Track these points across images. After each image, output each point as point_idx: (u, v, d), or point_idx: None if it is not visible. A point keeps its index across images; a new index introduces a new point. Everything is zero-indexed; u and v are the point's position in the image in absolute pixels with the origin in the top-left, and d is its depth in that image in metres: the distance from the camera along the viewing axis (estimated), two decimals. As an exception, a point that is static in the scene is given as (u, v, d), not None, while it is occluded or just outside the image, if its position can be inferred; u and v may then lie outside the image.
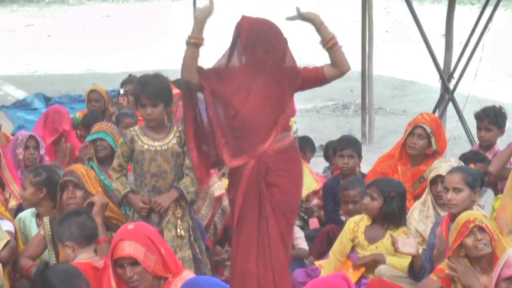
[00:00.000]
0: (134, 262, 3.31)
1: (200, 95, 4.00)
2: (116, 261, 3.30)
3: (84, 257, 3.63)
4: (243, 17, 3.97)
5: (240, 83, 3.92)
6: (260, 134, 3.91)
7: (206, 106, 3.96)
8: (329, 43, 3.92)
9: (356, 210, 4.62)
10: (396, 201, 4.30)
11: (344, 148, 5.13)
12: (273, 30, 3.93)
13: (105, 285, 3.39)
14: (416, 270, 4.05)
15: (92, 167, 5.05)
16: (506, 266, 3.28)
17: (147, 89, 3.98)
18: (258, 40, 3.87)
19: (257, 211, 3.93)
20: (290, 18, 3.95)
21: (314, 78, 4.00)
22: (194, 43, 3.94)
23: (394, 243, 4.02)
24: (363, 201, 4.35)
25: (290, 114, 4.02)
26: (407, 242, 4.02)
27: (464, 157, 4.97)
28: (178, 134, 4.06)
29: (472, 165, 4.58)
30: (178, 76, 8.24)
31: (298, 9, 3.93)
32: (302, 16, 3.93)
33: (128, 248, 3.30)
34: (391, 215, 4.29)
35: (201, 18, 3.93)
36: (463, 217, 3.73)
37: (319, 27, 3.92)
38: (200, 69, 3.97)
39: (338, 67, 3.95)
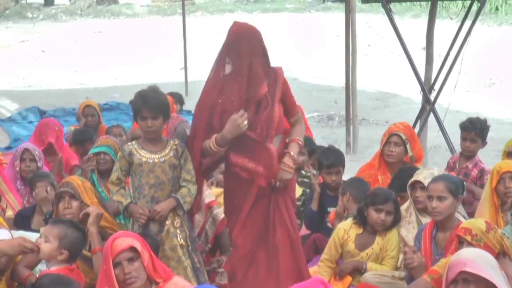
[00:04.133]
0: (131, 258, 3.43)
1: None
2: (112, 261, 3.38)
3: (61, 264, 3.69)
4: (233, 23, 4.07)
5: (230, 101, 4.00)
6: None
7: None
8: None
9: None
10: (399, 209, 4.47)
11: (332, 166, 5.15)
12: (256, 36, 3.99)
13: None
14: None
15: (92, 178, 5.20)
16: (449, 269, 3.28)
17: (149, 102, 4.04)
18: (241, 44, 3.94)
19: (264, 217, 4.08)
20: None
21: (286, 109, 4.16)
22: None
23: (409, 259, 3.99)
24: (381, 218, 4.37)
25: (279, 118, 4.08)
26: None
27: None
28: (175, 147, 4.13)
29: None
30: (168, 89, 8.39)
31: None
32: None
33: (125, 242, 3.42)
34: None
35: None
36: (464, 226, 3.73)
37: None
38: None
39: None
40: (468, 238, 3.66)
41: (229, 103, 4.00)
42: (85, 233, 3.85)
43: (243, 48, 3.94)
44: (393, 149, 5.20)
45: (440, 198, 4.08)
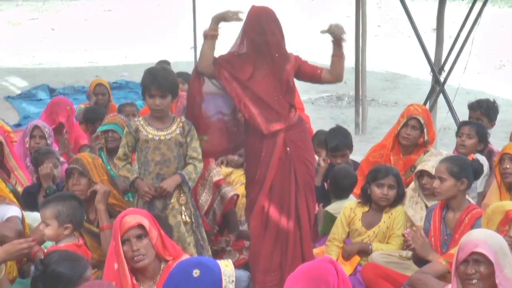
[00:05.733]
0: (139, 236, 3.42)
1: (212, 88, 4.29)
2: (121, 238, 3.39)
3: (69, 241, 3.73)
4: (252, 7, 4.24)
5: (250, 69, 4.19)
6: (277, 114, 4.19)
7: (226, 89, 4.21)
8: (337, 55, 4.35)
9: None
10: (402, 183, 4.52)
11: (336, 150, 5.16)
12: (273, 18, 4.20)
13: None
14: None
15: (101, 156, 5.20)
16: (460, 250, 3.29)
17: (158, 81, 4.06)
18: (259, 27, 4.13)
19: (287, 184, 4.19)
20: (323, 32, 4.34)
21: (310, 74, 4.36)
22: (211, 35, 4.25)
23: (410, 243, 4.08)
24: (383, 192, 4.40)
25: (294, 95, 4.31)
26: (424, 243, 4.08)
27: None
28: (181, 125, 4.16)
29: (471, 156, 4.57)
30: (178, 69, 8.44)
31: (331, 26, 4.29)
32: (331, 30, 4.30)
33: (134, 219, 3.42)
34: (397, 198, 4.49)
35: (217, 17, 4.26)
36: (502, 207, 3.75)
37: (338, 45, 4.33)
38: (215, 60, 4.25)
39: (334, 75, 4.39)
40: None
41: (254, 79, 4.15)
42: (76, 198, 3.88)
43: (263, 27, 4.12)
44: (410, 133, 5.20)
45: (440, 179, 4.12)
